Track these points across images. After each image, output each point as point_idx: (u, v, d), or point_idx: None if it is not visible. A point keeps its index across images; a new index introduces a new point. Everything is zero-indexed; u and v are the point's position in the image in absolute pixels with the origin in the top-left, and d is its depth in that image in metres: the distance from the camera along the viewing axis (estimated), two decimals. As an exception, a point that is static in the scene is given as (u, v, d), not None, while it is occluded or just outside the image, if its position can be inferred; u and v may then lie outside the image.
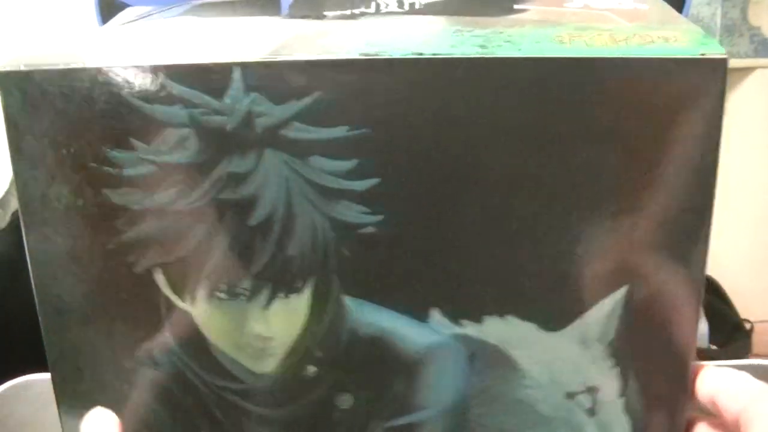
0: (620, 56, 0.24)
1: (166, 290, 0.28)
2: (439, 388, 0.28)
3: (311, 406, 0.29)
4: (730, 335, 0.94)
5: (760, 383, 0.27)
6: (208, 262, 0.27)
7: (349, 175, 0.26)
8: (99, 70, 0.26)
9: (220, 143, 0.26)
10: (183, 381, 0.29)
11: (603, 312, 0.27)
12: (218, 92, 0.26)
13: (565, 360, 0.28)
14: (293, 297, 0.28)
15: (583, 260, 0.27)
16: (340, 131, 0.26)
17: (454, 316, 0.27)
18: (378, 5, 0.33)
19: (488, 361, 0.28)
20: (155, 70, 0.26)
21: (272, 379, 0.29)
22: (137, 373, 0.29)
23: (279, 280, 0.27)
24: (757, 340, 0.95)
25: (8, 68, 0.26)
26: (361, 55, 0.25)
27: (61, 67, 0.26)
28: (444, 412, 0.28)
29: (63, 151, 0.27)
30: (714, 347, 0.91)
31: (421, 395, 0.28)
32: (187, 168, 0.26)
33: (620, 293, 0.27)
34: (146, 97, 0.26)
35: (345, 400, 0.29)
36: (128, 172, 0.27)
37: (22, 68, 0.26)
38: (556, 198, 0.26)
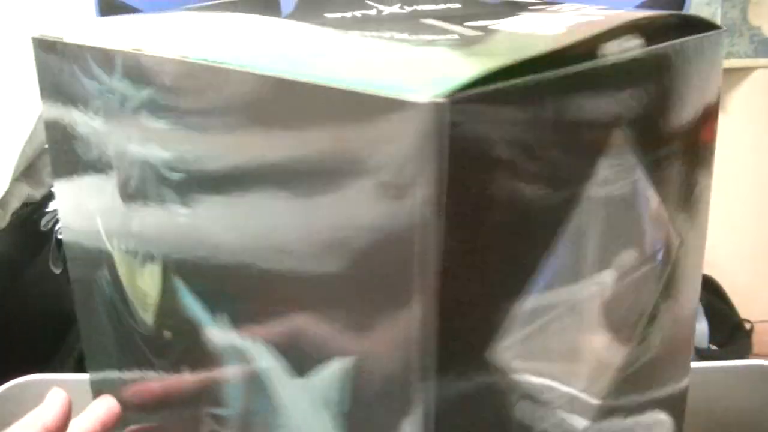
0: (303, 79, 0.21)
1: (102, 233, 0.34)
2: (234, 393, 0.28)
3: (172, 366, 0.32)
4: (730, 335, 0.95)
5: None
6: (115, 219, 0.32)
7: (167, 165, 0.28)
8: (65, 45, 0.32)
9: (113, 117, 0.30)
10: (115, 311, 0.35)
11: (326, 375, 0.24)
12: (111, 74, 0.30)
13: (305, 416, 0.25)
14: (153, 265, 0.31)
15: (313, 311, 0.23)
16: (163, 124, 0.28)
17: (235, 328, 0.27)
18: (379, 9, 0.32)
19: (258, 384, 0.27)
20: (85, 50, 0.31)
21: (151, 330, 0.32)
22: (95, 296, 0.36)
23: (144, 248, 0.31)
24: (757, 340, 0.96)
25: (34, 35, 0.34)
26: (175, 56, 0.26)
27: (50, 39, 0.33)
28: (239, 417, 0.29)
29: (53, 106, 0.34)
30: (714, 347, 0.91)
31: (224, 393, 0.29)
32: (101, 134, 0.32)
33: (346, 361, 0.23)
34: (83, 71, 0.31)
35: (187, 371, 0.31)
36: (80, 129, 0.33)
37: (35, 36, 0.34)
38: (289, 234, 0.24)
